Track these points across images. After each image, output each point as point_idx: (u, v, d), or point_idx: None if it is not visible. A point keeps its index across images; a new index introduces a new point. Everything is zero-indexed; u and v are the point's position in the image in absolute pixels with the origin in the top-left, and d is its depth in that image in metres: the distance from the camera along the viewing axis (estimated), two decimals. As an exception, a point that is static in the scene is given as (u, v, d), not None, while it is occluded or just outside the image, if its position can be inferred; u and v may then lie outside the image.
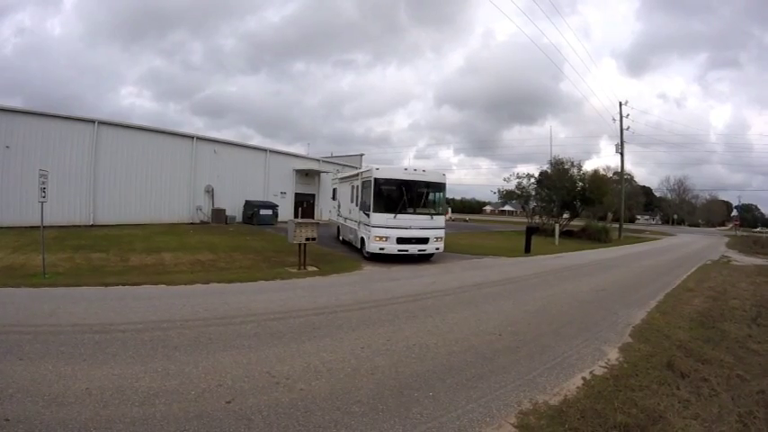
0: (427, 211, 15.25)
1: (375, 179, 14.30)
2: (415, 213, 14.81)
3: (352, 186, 17.08)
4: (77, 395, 3.89)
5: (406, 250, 14.63)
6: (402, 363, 5.07)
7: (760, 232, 62.18)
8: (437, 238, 15.13)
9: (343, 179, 19.92)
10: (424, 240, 14.90)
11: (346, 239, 18.19)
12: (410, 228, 14.61)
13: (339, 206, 19.96)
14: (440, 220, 15.41)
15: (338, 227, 20.06)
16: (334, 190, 21.37)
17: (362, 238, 15.28)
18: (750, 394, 4.52)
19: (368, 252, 14.69)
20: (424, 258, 15.41)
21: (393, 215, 14.33)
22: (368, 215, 14.47)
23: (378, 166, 15.02)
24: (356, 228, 16.20)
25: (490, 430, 3.69)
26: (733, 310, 8.83)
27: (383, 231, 14.23)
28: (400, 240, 14.40)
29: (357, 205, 16.00)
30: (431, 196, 15.74)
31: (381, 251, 14.29)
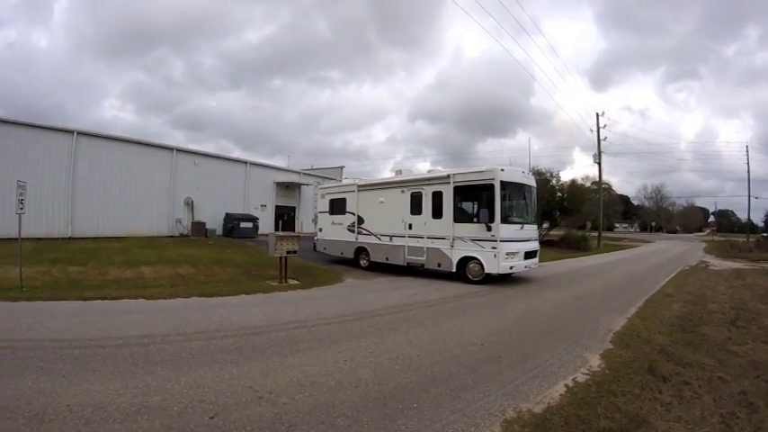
0: (534, 220, 13.96)
1: (502, 182, 12.10)
2: (530, 222, 13.35)
3: (421, 194, 13.89)
4: (58, 412, 3.80)
5: (529, 267, 13.15)
6: (385, 375, 5.06)
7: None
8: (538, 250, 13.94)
9: (375, 186, 16.19)
10: (536, 253, 13.56)
11: (397, 263, 14.63)
12: (530, 240, 13.17)
13: (359, 221, 16.05)
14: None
15: (360, 248, 16.06)
16: (338, 201, 17.27)
17: (467, 258, 12.67)
18: (732, 395, 4.58)
19: (483, 274, 12.34)
20: (409, 270, 14.49)
21: (520, 226, 12.58)
22: (489, 227, 12.03)
23: (502, 167, 12.63)
24: (442, 246, 13.20)
25: (475, 440, 3.69)
26: (712, 313, 8.95)
27: (513, 246, 12.24)
28: (527, 255, 12.74)
29: (447, 217, 13.09)
30: (533, 202, 14.19)
31: (511, 270, 12.36)
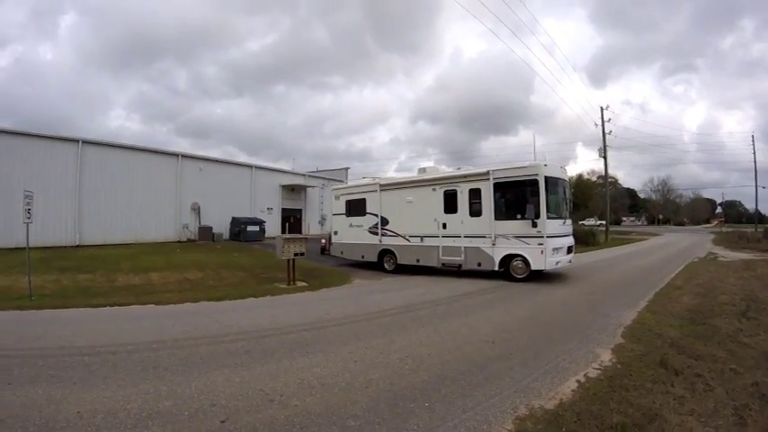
0: (570, 215, 13.77)
1: (546, 178, 11.85)
2: (568, 217, 13.31)
3: (455, 192, 13.44)
4: (69, 419, 3.81)
5: (570, 261, 13.10)
6: (396, 375, 5.04)
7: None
8: None
9: (400, 185, 15.41)
10: (573, 248, 13.34)
11: (430, 264, 14.27)
12: (569, 235, 13.08)
13: (383, 222, 15.39)
14: None
15: (385, 250, 15.41)
16: (356, 202, 16.49)
17: (510, 255, 12.36)
18: (744, 387, 4.54)
19: (528, 271, 12.11)
20: (417, 269, 14.45)
21: (562, 221, 12.56)
22: (535, 224, 11.76)
23: (545, 162, 12.39)
24: (482, 245, 12.81)
25: (488, 438, 3.66)
26: (722, 305, 8.88)
27: (558, 242, 12.20)
28: (569, 250, 12.79)
29: (487, 214, 12.70)
30: (569, 197, 13.93)
31: (557, 266, 12.33)
